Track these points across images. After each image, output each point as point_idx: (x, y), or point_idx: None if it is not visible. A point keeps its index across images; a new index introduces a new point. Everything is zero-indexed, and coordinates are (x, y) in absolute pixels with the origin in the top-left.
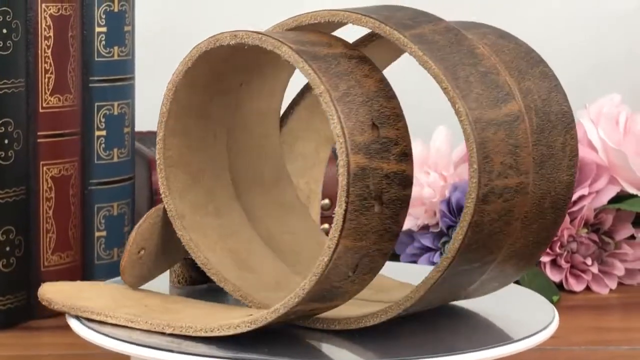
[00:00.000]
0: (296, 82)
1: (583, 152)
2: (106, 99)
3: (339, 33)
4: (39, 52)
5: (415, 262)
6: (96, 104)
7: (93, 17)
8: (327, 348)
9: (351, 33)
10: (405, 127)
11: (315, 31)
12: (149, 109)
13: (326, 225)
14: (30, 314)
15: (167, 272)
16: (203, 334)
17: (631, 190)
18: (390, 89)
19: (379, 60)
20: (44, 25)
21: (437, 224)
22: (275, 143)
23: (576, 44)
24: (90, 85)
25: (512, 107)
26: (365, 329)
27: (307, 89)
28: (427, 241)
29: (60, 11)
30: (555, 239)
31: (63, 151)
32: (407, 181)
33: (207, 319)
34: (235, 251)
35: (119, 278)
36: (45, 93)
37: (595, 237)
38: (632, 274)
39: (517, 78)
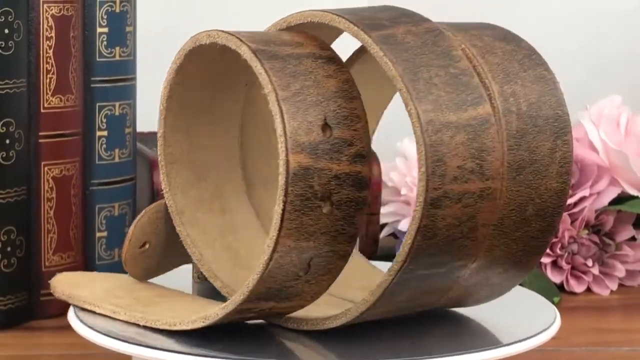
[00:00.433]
0: None
1: (584, 153)
2: (107, 100)
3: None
4: (41, 52)
5: None
6: (97, 104)
7: (95, 18)
8: (291, 347)
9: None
10: (364, 128)
11: (297, 31)
12: (150, 110)
13: None
14: (31, 314)
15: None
16: (167, 328)
17: (632, 191)
18: (354, 90)
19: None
20: (45, 26)
21: None
22: None
23: (576, 45)
24: (92, 85)
25: (480, 110)
26: (351, 330)
27: None
28: None
29: (62, 11)
30: (556, 240)
31: (64, 151)
32: (362, 183)
33: (180, 313)
34: (235, 249)
35: None
36: (47, 93)
37: (596, 238)
38: (633, 275)
39: (501, 81)
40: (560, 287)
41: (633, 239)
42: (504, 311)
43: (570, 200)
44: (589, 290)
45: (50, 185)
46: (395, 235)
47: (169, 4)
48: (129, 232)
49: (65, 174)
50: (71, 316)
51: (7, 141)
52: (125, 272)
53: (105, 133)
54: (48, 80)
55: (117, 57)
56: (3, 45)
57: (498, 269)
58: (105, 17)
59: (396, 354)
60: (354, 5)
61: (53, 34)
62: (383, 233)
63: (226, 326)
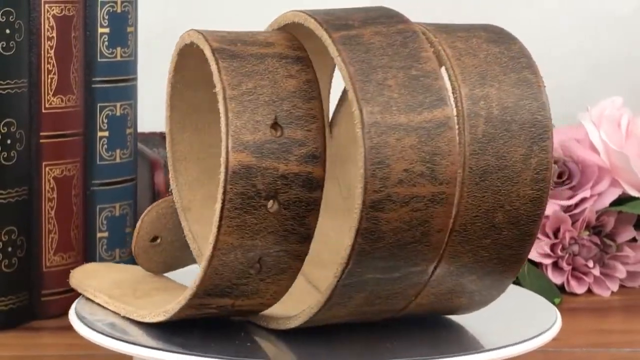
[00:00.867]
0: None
1: (585, 154)
2: (109, 100)
3: None
4: (42, 52)
5: None
6: (99, 104)
7: (96, 18)
8: (253, 346)
9: None
10: (319, 129)
11: (279, 31)
12: (151, 110)
13: None
14: (32, 314)
15: None
16: (139, 319)
17: (633, 192)
18: (314, 91)
19: None
20: (47, 26)
21: None
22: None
23: (576, 45)
24: (93, 85)
25: (437, 113)
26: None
27: (345, 92)
28: None
29: (63, 12)
30: (557, 241)
31: (65, 152)
32: (313, 183)
33: (159, 306)
34: None
35: None
36: (48, 93)
37: (597, 239)
38: (634, 276)
39: (472, 83)
40: (561, 288)
41: (634, 240)
42: (504, 312)
43: (571, 202)
44: (589, 291)
45: (51, 186)
46: None
47: (170, 4)
48: (137, 226)
49: (66, 174)
50: (72, 316)
51: (8, 141)
52: None
53: (106, 133)
54: (49, 80)
55: (119, 58)
56: (4, 46)
57: (470, 277)
58: (106, 17)
59: (397, 356)
60: (356, 5)
61: (54, 34)
62: None
63: (231, 327)
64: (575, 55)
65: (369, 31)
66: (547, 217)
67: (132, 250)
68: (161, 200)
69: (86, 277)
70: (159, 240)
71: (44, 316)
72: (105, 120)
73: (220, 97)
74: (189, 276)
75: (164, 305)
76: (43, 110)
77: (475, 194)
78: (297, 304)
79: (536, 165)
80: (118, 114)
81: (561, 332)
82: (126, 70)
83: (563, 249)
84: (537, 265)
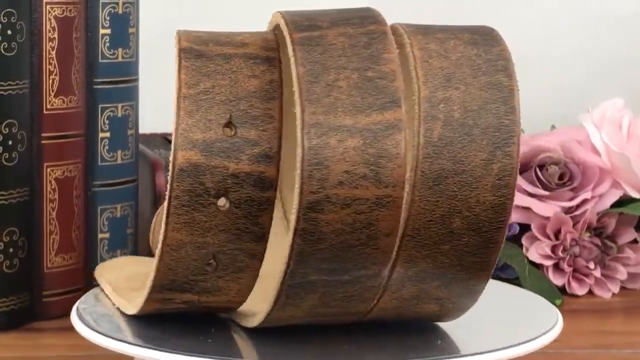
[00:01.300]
0: None
1: (586, 155)
2: (110, 101)
3: None
4: (44, 53)
5: None
6: (100, 105)
7: (97, 19)
8: (220, 343)
9: None
10: (276, 129)
11: (259, 32)
12: (152, 111)
13: None
14: (33, 315)
15: None
16: (122, 309)
17: (634, 194)
18: (276, 91)
19: None
20: (48, 27)
21: None
22: None
23: (577, 47)
24: (95, 86)
25: (388, 115)
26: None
27: None
28: None
29: (65, 13)
30: (558, 242)
31: (67, 153)
32: (265, 183)
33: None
34: None
35: None
36: (50, 94)
37: (598, 241)
38: (635, 278)
39: (435, 86)
40: (562, 290)
41: (635, 241)
42: (505, 313)
43: (572, 203)
44: (590, 292)
45: (53, 187)
46: None
47: (172, 5)
48: (152, 221)
49: (68, 175)
50: (74, 317)
51: (10, 142)
52: None
53: (107, 134)
54: (51, 81)
55: (120, 59)
56: (6, 47)
57: (434, 283)
58: (108, 18)
59: (401, 356)
60: (353, 4)
61: (56, 35)
62: None
63: (233, 329)
64: (576, 56)
65: (335, 32)
66: (548, 218)
67: (150, 245)
68: None
69: (108, 269)
70: None
71: (45, 317)
72: (107, 121)
73: (174, 96)
74: None
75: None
76: (44, 111)
77: (428, 198)
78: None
79: (498, 170)
80: (119, 115)
81: (562, 333)
82: (127, 71)
83: (564, 250)
84: (538, 266)
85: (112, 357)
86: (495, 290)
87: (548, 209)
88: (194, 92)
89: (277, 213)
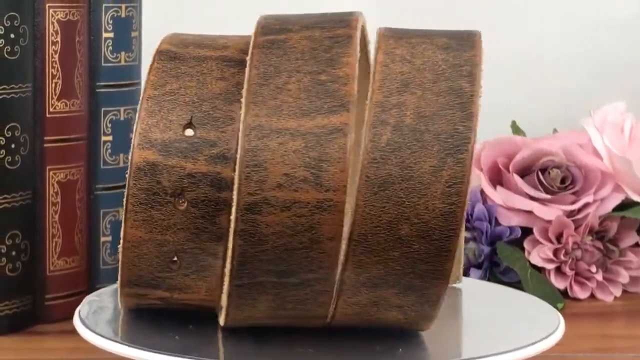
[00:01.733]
0: None
1: (588, 159)
2: (113, 104)
3: None
4: (46, 57)
5: None
6: (103, 109)
7: (100, 23)
8: (196, 342)
9: None
10: (236, 131)
11: (246, 35)
12: None
13: None
14: (35, 318)
15: None
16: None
17: (636, 197)
18: (241, 93)
19: None
20: (51, 31)
21: None
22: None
23: (578, 50)
24: (97, 90)
25: (334, 119)
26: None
27: None
28: None
29: (68, 16)
30: (560, 246)
31: (69, 156)
32: (222, 184)
33: None
34: None
35: None
36: (52, 98)
37: (599, 244)
38: (637, 281)
39: (390, 90)
40: (564, 293)
41: (637, 245)
42: (508, 317)
43: (574, 206)
44: (592, 296)
45: (55, 190)
46: None
47: (174, 9)
48: None
49: (70, 178)
50: (76, 321)
51: (13, 146)
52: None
53: (110, 138)
54: (53, 85)
55: (123, 62)
56: (9, 50)
57: (391, 290)
58: (110, 22)
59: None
60: (359, 6)
61: (59, 39)
62: None
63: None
64: (578, 60)
65: (300, 36)
66: (550, 222)
67: None
68: None
69: None
70: None
71: (47, 320)
72: (109, 125)
73: (140, 97)
74: None
75: None
76: (47, 115)
77: (373, 203)
78: None
79: (448, 178)
80: (122, 118)
81: (564, 337)
82: (130, 74)
83: (566, 254)
84: (540, 270)
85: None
86: (497, 293)
87: (550, 212)
88: (159, 93)
89: None
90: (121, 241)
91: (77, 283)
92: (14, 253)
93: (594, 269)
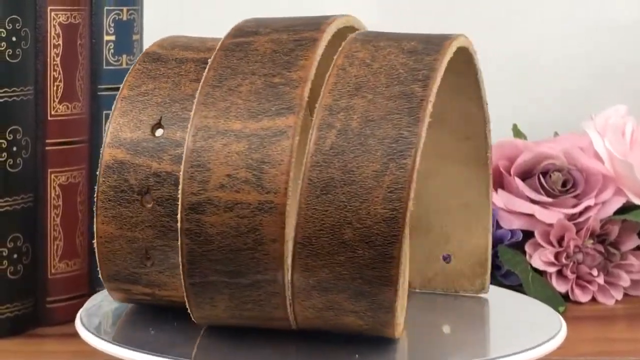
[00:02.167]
0: None
1: (589, 162)
2: None
3: None
4: (48, 60)
5: None
6: (104, 112)
7: (102, 26)
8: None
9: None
10: None
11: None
12: None
13: None
14: (37, 321)
15: None
16: None
17: (637, 201)
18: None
19: None
20: (53, 34)
21: None
22: None
23: (579, 53)
24: (99, 93)
25: (279, 122)
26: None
27: None
28: None
29: (70, 19)
30: (561, 249)
31: (71, 159)
32: None
33: None
34: None
35: None
36: (54, 101)
37: (601, 248)
38: (638, 284)
39: (341, 94)
40: (565, 297)
41: (638, 248)
42: (509, 320)
43: (575, 210)
44: (594, 299)
45: (57, 193)
46: None
47: (176, 12)
48: None
49: (72, 181)
50: (78, 324)
51: (14, 148)
52: None
53: None
54: (55, 87)
55: (124, 65)
56: (11, 53)
57: (342, 295)
58: (112, 25)
59: None
60: (360, 7)
61: (60, 42)
62: None
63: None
64: (579, 63)
65: (267, 38)
66: (552, 225)
67: None
68: None
69: None
70: None
71: (49, 323)
72: None
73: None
74: None
75: None
76: (49, 118)
77: (316, 207)
78: None
79: (390, 183)
80: None
81: (566, 340)
82: None
83: (567, 257)
84: (542, 273)
85: None
86: (498, 297)
87: (551, 215)
88: (134, 94)
89: None
90: (95, 237)
91: (78, 286)
92: (15, 256)
93: (595, 272)
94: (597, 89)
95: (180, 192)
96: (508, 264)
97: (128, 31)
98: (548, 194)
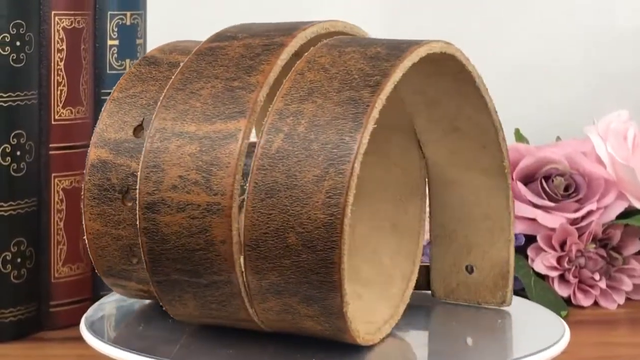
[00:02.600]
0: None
1: (591, 167)
2: None
3: None
4: (52, 64)
5: None
6: None
7: (105, 30)
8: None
9: None
10: None
11: None
12: None
13: None
14: (40, 325)
15: None
16: None
17: (639, 205)
18: None
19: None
20: (57, 38)
21: None
22: (414, 158)
23: (582, 60)
24: (102, 97)
25: (230, 125)
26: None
27: None
28: None
29: (73, 24)
30: (564, 253)
31: (74, 163)
32: None
33: None
34: None
35: None
36: (58, 105)
37: (603, 252)
38: None
39: (293, 99)
40: (568, 301)
41: None
42: (513, 324)
43: (577, 214)
44: (596, 304)
45: (60, 197)
46: None
47: (179, 16)
48: None
49: (75, 185)
50: (83, 328)
51: (18, 153)
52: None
53: None
54: (59, 92)
55: (128, 70)
56: (15, 58)
57: (294, 299)
58: (116, 29)
59: None
60: (360, 8)
61: (64, 47)
62: None
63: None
64: (581, 68)
65: (240, 43)
66: (554, 229)
67: None
68: None
69: None
70: None
71: (52, 327)
72: None
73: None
74: None
75: None
76: (52, 122)
77: (261, 210)
78: None
79: (329, 188)
80: None
81: (568, 345)
82: None
83: (569, 261)
84: (544, 277)
85: None
86: None
87: (553, 220)
88: (123, 96)
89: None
90: (85, 233)
91: (81, 290)
92: (19, 260)
93: (597, 276)
94: (599, 94)
95: (137, 191)
96: None
97: (131, 36)
98: (550, 199)
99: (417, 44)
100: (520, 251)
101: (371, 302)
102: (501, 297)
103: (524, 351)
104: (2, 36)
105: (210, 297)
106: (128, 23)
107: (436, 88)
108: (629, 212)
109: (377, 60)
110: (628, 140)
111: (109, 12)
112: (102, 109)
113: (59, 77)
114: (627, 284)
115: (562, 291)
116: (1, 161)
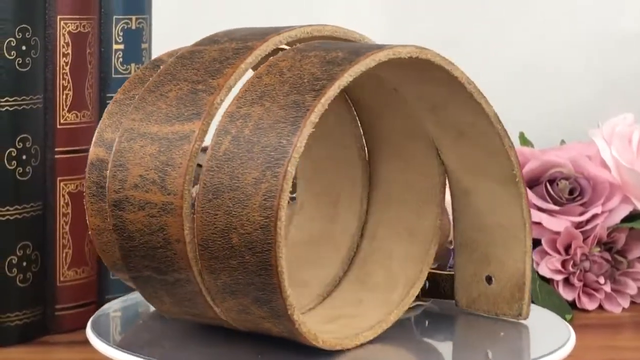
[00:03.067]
0: None
1: (596, 170)
2: None
3: None
4: (57, 68)
5: None
6: None
7: (111, 35)
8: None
9: None
10: None
11: None
12: None
13: None
14: (46, 329)
15: None
16: None
17: None
18: None
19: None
20: (62, 42)
21: None
22: (433, 164)
23: (587, 63)
24: (108, 102)
25: (186, 127)
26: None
27: None
28: None
29: (79, 28)
30: (568, 257)
31: (80, 167)
32: None
33: None
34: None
35: None
36: (63, 109)
37: (608, 255)
38: None
39: (244, 101)
40: (572, 305)
41: None
42: (518, 327)
43: (582, 218)
44: (600, 307)
45: (66, 201)
46: None
47: (184, 20)
48: None
49: (81, 189)
50: (89, 331)
51: (24, 157)
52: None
53: None
54: (64, 96)
55: (133, 74)
56: (20, 62)
57: (247, 299)
58: (121, 34)
59: None
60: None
61: (69, 51)
62: None
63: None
64: (586, 72)
65: (216, 47)
66: (559, 233)
67: None
68: None
69: None
70: None
71: (57, 331)
72: None
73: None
74: None
75: None
76: (58, 126)
77: (208, 210)
78: None
79: (265, 190)
80: None
81: (573, 348)
82: None
83: (574, 265)
84: (548, 281)
85: None
86: None
87: (558, 223)
88: (124, 97)
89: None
90: (89, 229)
91: (87, 294)
92: (24, 264)
93: (602, 280)
94: (604, 98)
95: (107, 189)
96: None
97: (137, 40)
98: (555, 202)
99: (378, 48)
100: None
101: (367, 308)
102: (517, 310)
103: (530, 355)
104: (7, 40)
105: (180, 295)
106: (133, 27)
107: (434, 94)
108: (633, 216)
109: (331, 65)
110: (633, 143)
111: (115, 17)
112: (105, 110)
113: (64, 82)
114: (632, 288)
115: (567, 295)
116: (7, 165)
